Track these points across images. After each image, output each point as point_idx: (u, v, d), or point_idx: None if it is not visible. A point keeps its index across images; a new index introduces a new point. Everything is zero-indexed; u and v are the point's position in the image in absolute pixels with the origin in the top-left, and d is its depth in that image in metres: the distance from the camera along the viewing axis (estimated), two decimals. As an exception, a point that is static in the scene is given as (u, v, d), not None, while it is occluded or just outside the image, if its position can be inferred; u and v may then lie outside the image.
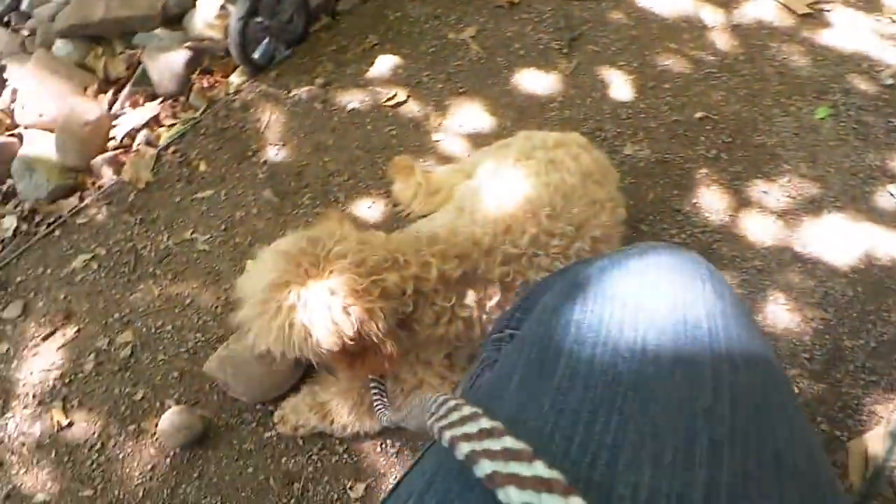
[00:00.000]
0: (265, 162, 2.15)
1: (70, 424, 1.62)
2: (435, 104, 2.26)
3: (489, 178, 1.62)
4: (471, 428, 0.49)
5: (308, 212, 1.99)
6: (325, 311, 1.16)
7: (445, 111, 2.24)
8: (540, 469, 0.42)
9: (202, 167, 2.16)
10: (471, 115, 2.21)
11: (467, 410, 0.51)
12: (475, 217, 1.48)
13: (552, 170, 1.53)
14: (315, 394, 1.56)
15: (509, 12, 2.55)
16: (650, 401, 0.49)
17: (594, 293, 0.62)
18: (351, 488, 1.49)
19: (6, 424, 1.65)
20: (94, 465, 1.56)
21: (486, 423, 0.48)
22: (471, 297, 1.36)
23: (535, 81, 2.29)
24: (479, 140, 2.14)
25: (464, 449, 0.47)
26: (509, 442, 0.45)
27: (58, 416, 1.63)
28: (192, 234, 1.98)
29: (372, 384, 1.43)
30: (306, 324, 1.17)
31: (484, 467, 0.44)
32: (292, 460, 1.54)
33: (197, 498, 1.49)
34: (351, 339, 1.18)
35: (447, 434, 0.51)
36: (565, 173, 1.51)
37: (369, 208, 2.00)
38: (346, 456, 1.54)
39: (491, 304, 1.39)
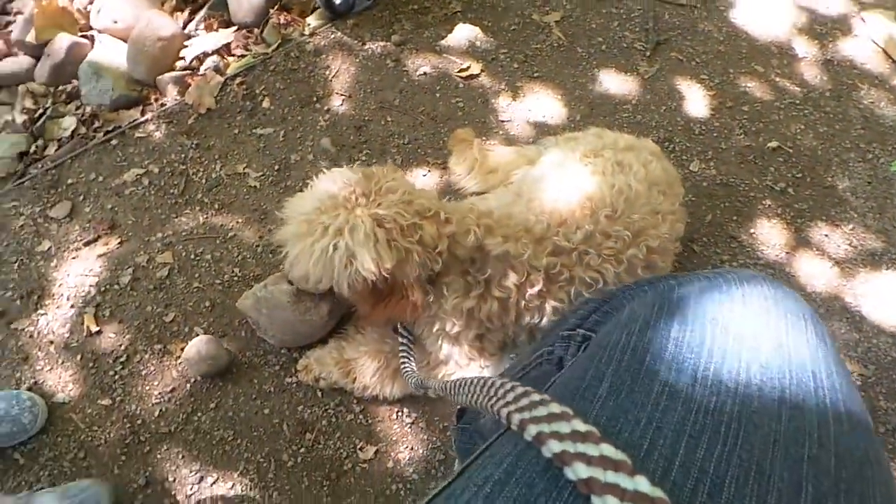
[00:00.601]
0: (328, 110, 2.13)
1: (99, 332, 1.65)
2: (507, 83, 2.22)
3: (553, 169, 1.59)
4: (561, 427, 0.48)
5: (363, 167, 1.98)
6: (371, 239, 1.18)
7: (517, 92, 2.19)
8: (643, 485, 0.41)
9: (265, 104, 2.14)
10: (541, 102, 2.17)
11: (556, 408, 0.50)
12: (531, 205, 1.47)
13: (619, 172, 1.50)
14: (342, 349, 1.56)
15: (598, 4, 2.48)
16: (754, 436, 0.47)
17: (693, 313, 0.59)
18: (361, 449, 1.50)
19: (37, 320, 1.67)
20: (117, 377, 1.58)
21: (579, 425, 0.47)
22: (511, 279, 1.35)
23: (612, 79, 2.23)
24: (545, 128, 2.10)
25: (553, 447, 0.46)
26: (608, 450, 0.44)
27: (88, 323, 1.65)
28: (244, 168, 1.98)
29: (401, 348, 1.43)
30: (350, 249, 1.19)
31: (579, 471, 0.43)
32: (308, 410, 1.55)
33: (210, 427, 1.51)
34: (387, 274, 1.21)
35: (532, 428, 0.50)
36: (632, 177, 1.48)
37: (424, 176, 1.98)
38: (361, 416, 1.55)
39: (532, 291, 1.37)
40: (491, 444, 0.58)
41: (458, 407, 1.42)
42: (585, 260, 1.38)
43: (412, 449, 1.51)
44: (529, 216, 1.41)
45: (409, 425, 1.54)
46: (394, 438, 1.52)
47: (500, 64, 2.29)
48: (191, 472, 1.45)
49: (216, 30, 2.45)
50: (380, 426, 1.54)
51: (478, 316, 1.40)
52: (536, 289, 1.37)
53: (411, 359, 1.41)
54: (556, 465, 0.46)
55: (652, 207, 1.47)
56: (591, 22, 2.43)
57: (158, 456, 1.47)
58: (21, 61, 2.34)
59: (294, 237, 1.26)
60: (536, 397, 0.53)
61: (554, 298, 1.40)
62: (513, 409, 0.54)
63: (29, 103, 2.22)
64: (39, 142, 2.13)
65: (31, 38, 2.35)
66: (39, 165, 2.03)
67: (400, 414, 1.55)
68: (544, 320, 1.43)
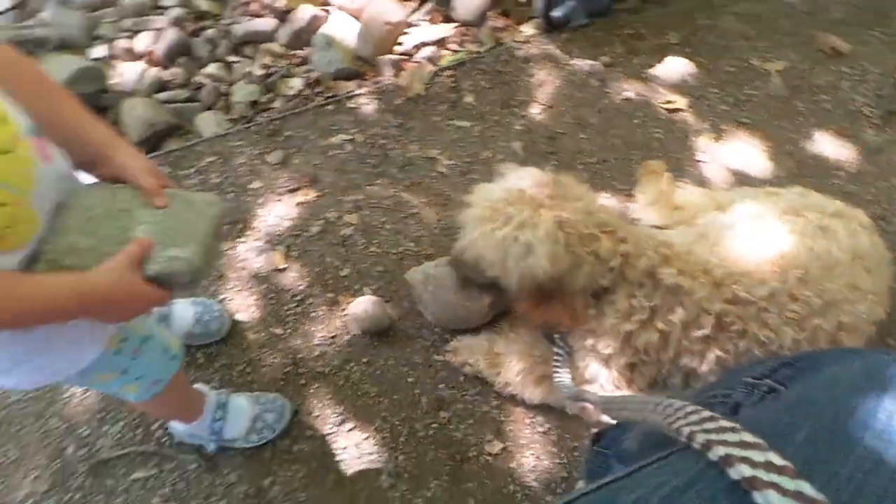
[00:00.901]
0: (525, 116, 2.19)
1: (284, 269, 1.82)
2: (711, 124, 2.15)
3: (747, 219, 1.52)
4: (753, 455, 0.48)
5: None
6: (550, 239, 1.23)
7: (720, 135, 2.12)
8: None
9: (468, 99, 2.25)
10: (744, 149, 2.08)
11: (749, 437, 0.50)
12: (716, 248, 1.42)
13: (820, 236, 1.41)
14: (494, 342, 1.60)
15: (830, 60, 2.32)
16: None
17: None
18: (489, 442, 1.53)
19: (237, 247, 1.89)
20: (290, 312, 1.74)
21: (775, 458, 0.47)
22: (679, 314, 1.31)
23: (830, 142, 2.08)
24: (742, 177, 2.01)
25: (744, 471, 0.47)
26: (806, 488, 0.44)
27: (277, 259, 1.84)
28: (437, 154, 2.09)
29: (556, 359, 1.44)
30: (530, 243, 1.23)
31: (771, 499, 0.44)
32: (448, 390, 1.61)
33: (359, 379, 1.62)
34: (558, 275, 1.24)
35: (719, 448, 0.50)
36: (834, 245, 1.39)
37: (606, 199, 1.97)
38: (496, 411, 1.58)
39: (697, 334, 1.33)
40: (663, 457, 0.59)
41: (595, 431, 1.41)
42: (764, 318, 1.31)
43: (538, 458, 1.51)
44: (711, 258, 1.37)
45: (540, 433, 1.55)
46: (522, 442, 1.54)
47: (707, 103, 2.22)
48: (334, 413, 1.56)
49: (437, 23, 2.61)
50: (512, 426, 1.56)
51: (634, 343, 1.38)
52: (703, 332, 1.32)
53: (565, 370, 1.42)
54: (744, 489, 0.46)
55: (852, 281, 1.36)
56: (817, 77, 2.28)
57: (310, 391, 1.60)
58: (268, 23, 2.64)
59: (477, 221, 1.32)
60: (726, 423, 0.53)
61: (720, 348, 1.34)
62: (696, 429, 0.54)
63: (267, 60, 2.50)
64: (269, 95, 2.40)
65: (280, 4, 2.65)
66: (265, 115, 2.29)
67: (533, 420, 1.57)
68: (704, 367, 1.38)
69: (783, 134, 2.11)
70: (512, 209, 1.27)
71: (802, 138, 2.09)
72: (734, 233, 1.46)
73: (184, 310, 1.63)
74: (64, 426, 1.57)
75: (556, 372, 1.42)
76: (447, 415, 1.57)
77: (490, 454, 1.53)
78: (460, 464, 1.51)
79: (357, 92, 2.31)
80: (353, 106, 2.27)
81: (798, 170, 2.01)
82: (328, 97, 2.32)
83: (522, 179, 1.36)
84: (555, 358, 1.45)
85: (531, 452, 1.53)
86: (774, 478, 0.46)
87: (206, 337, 1.64)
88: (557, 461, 1.52)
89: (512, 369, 1.54)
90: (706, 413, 0.59)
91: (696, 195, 1.84)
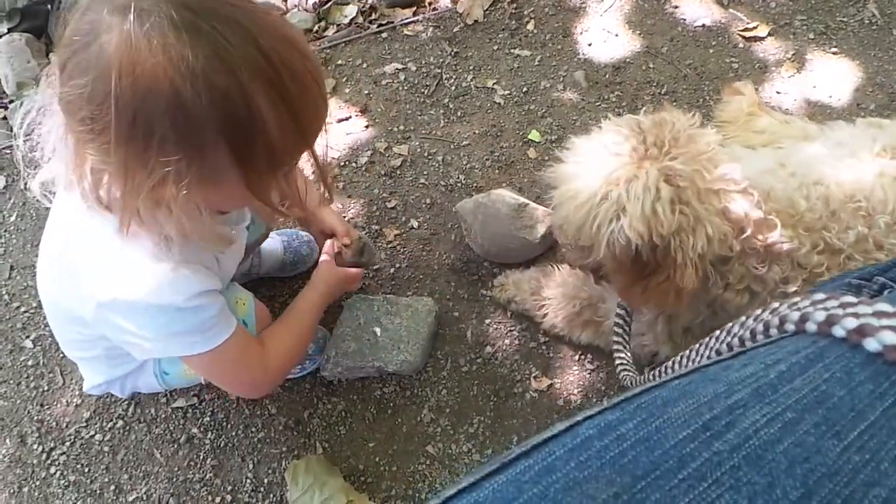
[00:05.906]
0: (590, 44, 2.04)
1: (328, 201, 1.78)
2: (795, 53, 1.95)
3: (835, 149, 1.36)
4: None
5: (609, 108, 1.88)
6: (650, 195, 0.97)
7: (803, 65, 1.93)
8: None
9: (530, 26, 2.12)
10: (830, 80, 1.88)
11: (887, 307, 0.42)
12: (795, 183, 1.25)
13: None
14: (539, 282, 1.52)
15: (940, -17, 2.06)
16: None
17: None
18: (536, 378, 1.48)
19: (286, 176, 1.86)
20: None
21: None
22: (774, 272, 1.09)
23: (933, 73, 1.86)
24: (826, 110, 1.83)
25: (887, 339, 0.40)
26: None
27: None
28: (494, 84, 1.99)
29: (616, 328, 1.27)
30: (621, 201, 0.99)
31: None
32: (494, 326, 1.56)
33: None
34: (658, 243, 0.99)
35: (848, 321, 0.42)
36: None
37: (673, 131, 1.83)
38: (543, 347, 1.52)
39: (786, 290, 1.10)
40: (769, 342, 0.50)
41: (652, 367, 1.33)
42: (850, 267, 1.15)
43: (587, 396, 1.45)
44: (797, 198, 1.19)
45: (589, 371, 1.48)
46: (570, 379, 1.48)
47: (793, 30, 2.02)
48: (377, 344, 1.54)
49: (499, -53, 2.45)
50: (559, 363, 1.50)
51: (721, 309, 1.18)
52: (792, 289, 1.10)
53: (627, 346, 1.24)
54: (889, 361, 0.39)
55: None
56: (922, 3, 2.03)
57: (354, 321, 1.58)
58: (324, -50, 2.55)
59: (566, 178, 1.10)
60: (850, 299, 0.45)
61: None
62: (811, 310, 0.46)
63: (322, -13, 2.42)
64: (322, 23, 2.33)
65: (337, -70, 2.54)
66: (318, 44, 2.22)
67: (583, 358, 1.50)
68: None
69: (875, 64, 1.90)
70: (611, 163, 1.02)
71: (899, 69, 1.88)
72: (821, 166, 1.30)
73: (272, 243, 1.60)
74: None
75: (617, 349, 1.24)
76: (492, 350, 1.53)
77: (536, 390, 1.48)
78: (505, 399, 1.47)
79: (413, 19, 2.22)
80: (408, 34, 2.18)
81: (889, 101, 1.81)
82: (382, 25, 2.23)
83: (618, 131, 1.07)
84: (614, 328, 1.27)
85: (579, 390, 1.47)
86: None
87: (299, 265, 1.63)
88: (607, 400, 1.45)
89: (558, 314, 1.46)
90: (820, 295, 0.49)
91: (782, 121, 1.68)
